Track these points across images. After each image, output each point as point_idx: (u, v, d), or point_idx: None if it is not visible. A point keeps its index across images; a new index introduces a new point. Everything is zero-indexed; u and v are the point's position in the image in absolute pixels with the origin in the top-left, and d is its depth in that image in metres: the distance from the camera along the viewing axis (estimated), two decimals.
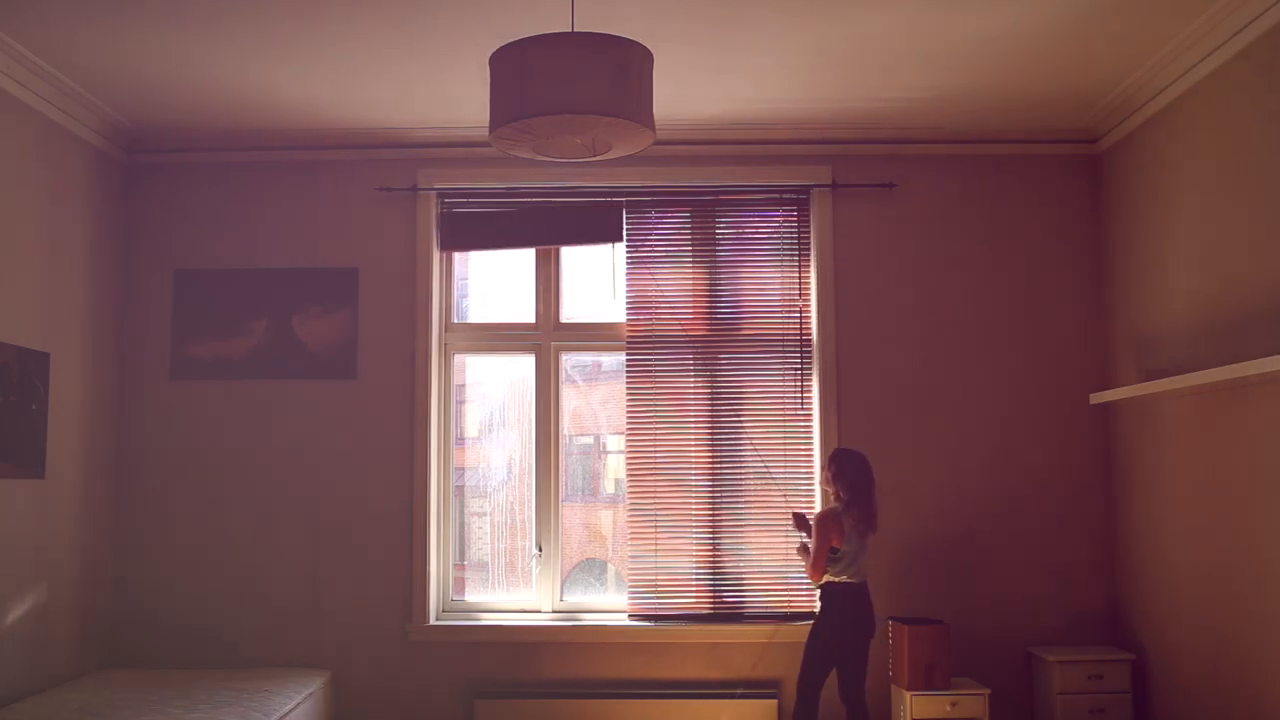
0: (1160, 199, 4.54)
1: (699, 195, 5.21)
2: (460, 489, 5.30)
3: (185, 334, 5.18)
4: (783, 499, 5.05)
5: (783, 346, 5.16)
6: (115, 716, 4.01)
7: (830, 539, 4.33)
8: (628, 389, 5.14)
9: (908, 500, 5.00)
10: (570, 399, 5.34)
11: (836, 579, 4.36)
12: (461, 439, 5.36)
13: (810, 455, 5.09)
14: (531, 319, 5.30)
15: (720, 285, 5.20)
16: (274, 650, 5.01)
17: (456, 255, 5.35)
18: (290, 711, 4.29)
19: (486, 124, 3.19)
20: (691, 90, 4.64)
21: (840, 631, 4.36)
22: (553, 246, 5.27)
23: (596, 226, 5.19)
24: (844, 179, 5.14)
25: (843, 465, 4.45)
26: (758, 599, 5.04)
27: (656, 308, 5.18)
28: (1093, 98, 4.77)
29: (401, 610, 5.01)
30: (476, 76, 4.33)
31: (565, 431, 5.29)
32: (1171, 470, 4.46)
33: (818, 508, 4.99)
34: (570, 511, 5.31)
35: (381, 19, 3.95)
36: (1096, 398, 4.74)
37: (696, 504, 5.08)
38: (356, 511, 5.07)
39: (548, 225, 5.20)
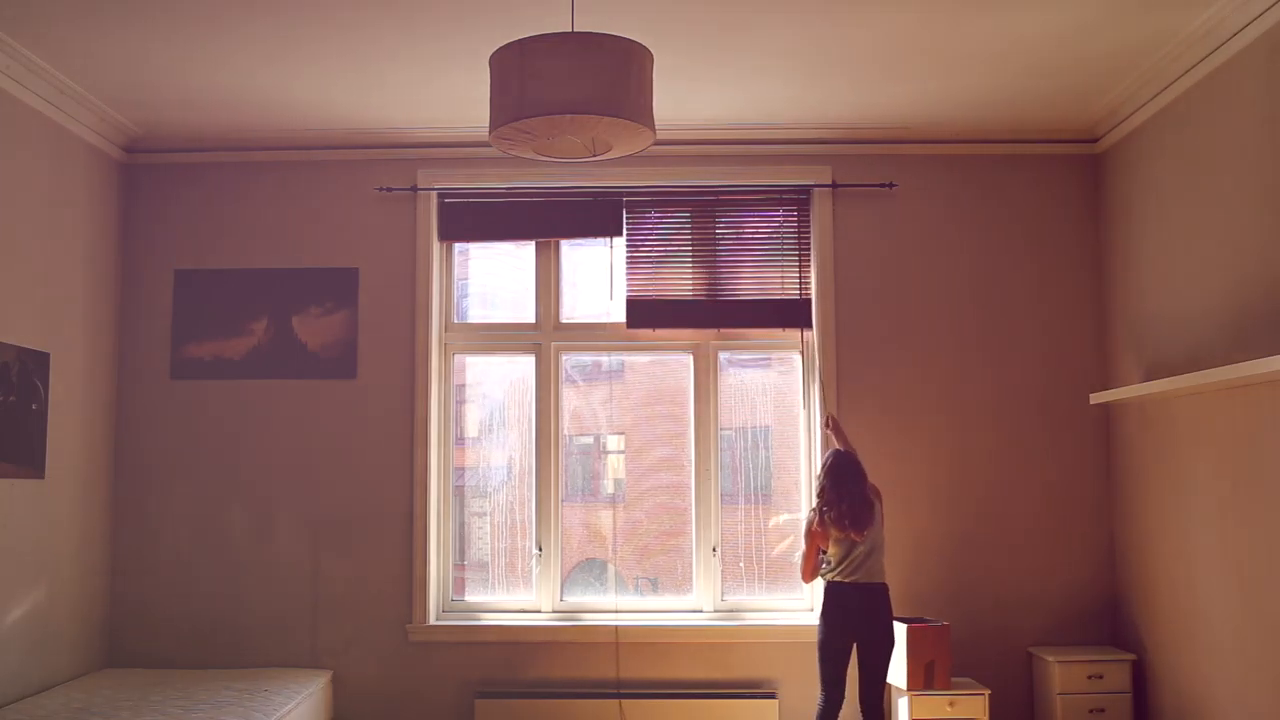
0: (1161, 199, 4.54)
1: (699, 195, 5.21)
2: (460, 489, 5.30)
3: (185, 334, 5.18)
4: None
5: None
6: (115, 716, 4.01)
7: (816, 543, 4.34)
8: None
9: (908, 500, 5.00)
10: (570, 399, 5.34)
11: (831, 578, 4.33)
12: (461, 439, 5.35)
13: (810, 456, 5.09)
14: (531, 319, 5.29)
15: (720, 285, 5.20)
16: (274, 650, 5.01)
17: (456, 257, 5.35)
18: (290, 711, 4.29)
19: (486, 124, 3.19)
20: (692, 90, 4.64)
21: (825, 629, 4.31)
22: (552, 239, 5.27)
23: (597, 221, 5.19)
24: (844, 179, 5.14)
25: (823, 467, 4.42)
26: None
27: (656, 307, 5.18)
28: (1093, 98, 4.77)
29: (401, 610, 5.01)
30: (476, 76, 4.33)
31: (565, 431, 5.28)
32: (1172, 470, 4.46)
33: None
34: (570, 511, 5.30)
35: (382, 19, 3.95)
36: (1097, 398, 4.74)
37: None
38: (356, 511, 5.07)
39: (548, 218, 5.21)
